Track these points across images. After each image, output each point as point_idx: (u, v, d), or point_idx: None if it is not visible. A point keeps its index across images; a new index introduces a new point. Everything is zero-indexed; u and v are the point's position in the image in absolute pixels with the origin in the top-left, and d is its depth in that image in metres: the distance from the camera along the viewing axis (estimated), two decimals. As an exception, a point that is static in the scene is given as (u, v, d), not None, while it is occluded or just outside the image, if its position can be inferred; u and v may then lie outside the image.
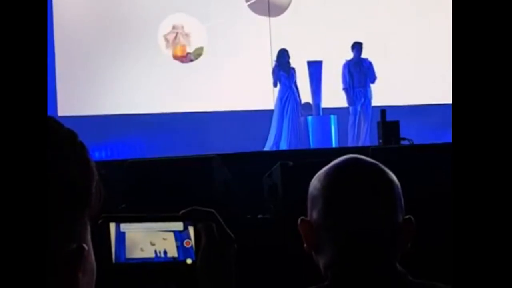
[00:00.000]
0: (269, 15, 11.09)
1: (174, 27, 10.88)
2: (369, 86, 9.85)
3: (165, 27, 10.86)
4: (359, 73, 9.82)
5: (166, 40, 10.85)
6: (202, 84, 10.67)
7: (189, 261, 1.09)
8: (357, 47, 9.89)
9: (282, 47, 10.16)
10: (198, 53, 10.89)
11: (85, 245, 0.73)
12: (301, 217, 1.43)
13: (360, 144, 9.40)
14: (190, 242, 1.10)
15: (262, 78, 10.18)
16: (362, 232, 1.37)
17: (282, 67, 9.67)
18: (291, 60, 9.74)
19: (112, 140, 9.88)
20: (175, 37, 10.88)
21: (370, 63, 9.88)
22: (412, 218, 1.40)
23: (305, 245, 1.43)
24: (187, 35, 10.92)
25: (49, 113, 0.74)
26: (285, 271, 3.37)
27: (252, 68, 10.69)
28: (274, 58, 10.02)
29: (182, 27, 10.91)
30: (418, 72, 11.00)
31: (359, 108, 9.81)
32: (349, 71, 9.81)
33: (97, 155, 8.85)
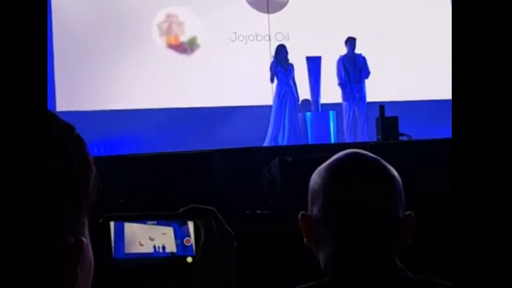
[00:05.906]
0: (268, 12, 11.08)
1: (168, 16, 10.85)
2: (364, 82, 9.84)
3: (159, 16, 10.83)
4: (353, 68, 9.80)
5: (160, 29, 10.82)
6: (201, 80, 10.67)
7: (189, 259, 1.09)
8: (350, 42, 9.86)
9: (281, 42, 10.15)
10: (192, 42, 10.85)
11: (83, 239, 0.73)
12: (301, 212, 1.42)
13: (357, 140, 9.39)
14: (190, 240, 1.10)
15: (261, 74, 10.17)
16: (362, 228, 1.37)
17: (280, 63, 9.65)
18: (289, 56, 9.72)
19: (111, 136, 9.86)
20: (169, 26, 10.85)
21: (364, 59, 9.85)
22: (413, 214, 1.40)
23: (305, 240, 1.43)
24: (181, 24, 10.88)
25: (48, 108, 0.73)
26: (285, 266, 3.36)
27: (251, 63, 10.67)
28: (273, 53, 10.01)
29: (176, 16, 10.88)
30: (417, 67, 11.00)
31: (354, 104, 9.78)
32: (344, 67, 9.79)
33: (96, 150, 8.83)
